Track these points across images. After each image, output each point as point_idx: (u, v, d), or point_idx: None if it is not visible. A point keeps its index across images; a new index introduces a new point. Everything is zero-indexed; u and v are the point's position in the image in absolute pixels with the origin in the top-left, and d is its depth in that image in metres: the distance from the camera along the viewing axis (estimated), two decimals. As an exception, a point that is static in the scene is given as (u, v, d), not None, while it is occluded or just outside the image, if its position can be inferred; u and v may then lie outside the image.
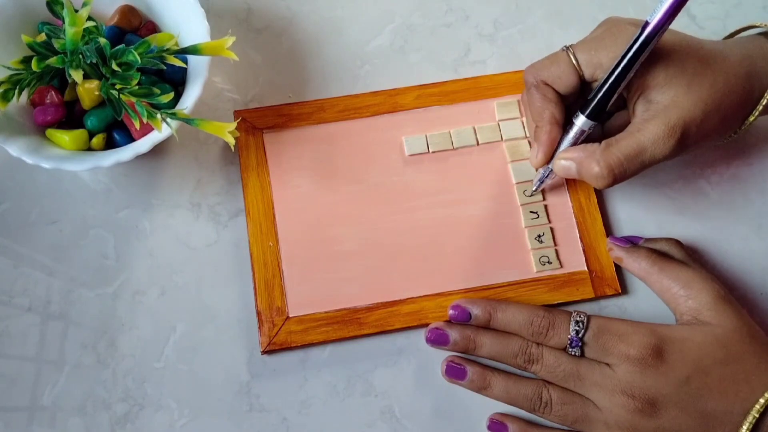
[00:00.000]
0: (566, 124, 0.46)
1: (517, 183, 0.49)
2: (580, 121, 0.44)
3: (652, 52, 0.41)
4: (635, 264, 0.46)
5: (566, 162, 0.44)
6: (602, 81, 0.43)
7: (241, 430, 0.45)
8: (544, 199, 0.49)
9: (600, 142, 0.43)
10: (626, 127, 0.44)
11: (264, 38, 0.53)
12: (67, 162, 0.44)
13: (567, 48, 0.45)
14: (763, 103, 0.44)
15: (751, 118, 0.44)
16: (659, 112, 0.42)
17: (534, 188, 0.49)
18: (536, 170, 0.48)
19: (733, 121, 0.44)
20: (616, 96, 0.43)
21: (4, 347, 0.46)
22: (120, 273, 0.48)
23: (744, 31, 0.47)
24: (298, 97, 0.52)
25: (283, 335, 0.45)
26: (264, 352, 0.45)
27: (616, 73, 0.42)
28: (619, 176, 0.42)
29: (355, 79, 0.52)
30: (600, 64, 0.44)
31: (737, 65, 0.43)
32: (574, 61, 0.44)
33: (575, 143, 0.45)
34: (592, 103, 0.44)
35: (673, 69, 0.42)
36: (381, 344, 0.47)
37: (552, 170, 0.46)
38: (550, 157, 0.46)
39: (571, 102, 0.46)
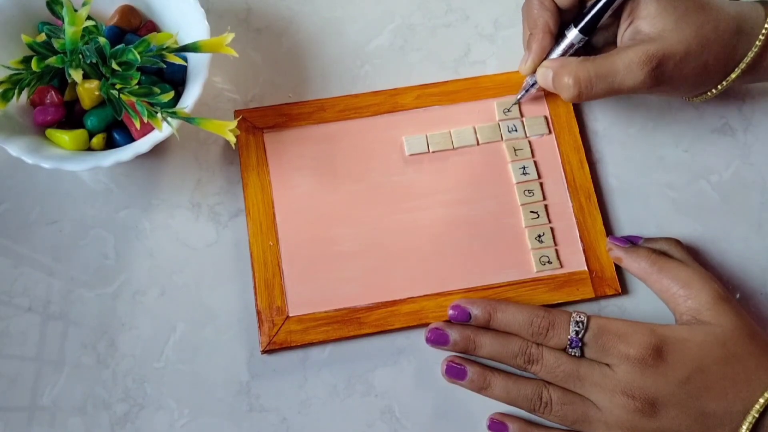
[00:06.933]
0: (559, 38, 0.47)
1: (517, 183, 0.49)
2: (572, 34, 0.46)
3: None
4: (635, 264, 0.46)
5: (546, 70, 0.46)
6: None
7: (241, 430, 0.45)
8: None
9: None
10: None
11: (264, 38, 0.53)
12: (67, 162, 0.44)
13: None
14: (747, 62, 0.44)
15: (733, 75, 0.45)
16: (642, 42, 0.44)
17: (518, 96, 0.50)
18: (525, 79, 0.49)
19: (712, 73, 0.45)
20: (609, 13, 0.45)
21: (4, 347, 0.46)
22: (120, 273, 0.48)
23: None
24: (298, 97, 0.52)
25: (283, 335, 0.45)
26: (264, 352, 0.45)
27: None
28: (585, 91, 0.44)
29: (355, 79, 0.52)
30: None
31: (729, 19, 0.44)
32: None
33: (563, 56, 0.47)
34: (585, 18, 0.45)
35: (665, 3, 0.44)
36: (381, 344, 0.47)
37: (537, 81, 0.48)
38: (537, 66, 0.47)
39: (567, 20, 0.47)
